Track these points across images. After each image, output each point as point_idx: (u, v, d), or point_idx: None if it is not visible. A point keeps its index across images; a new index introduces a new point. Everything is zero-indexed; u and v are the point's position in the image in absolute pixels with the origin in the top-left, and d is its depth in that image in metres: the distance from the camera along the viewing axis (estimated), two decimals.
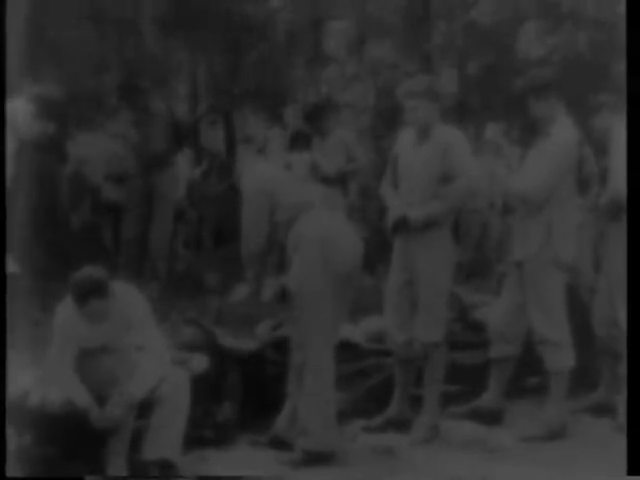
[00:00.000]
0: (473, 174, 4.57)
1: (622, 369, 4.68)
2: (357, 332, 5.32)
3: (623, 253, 4.26)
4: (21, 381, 4.19)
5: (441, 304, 4.63)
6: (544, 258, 4.67)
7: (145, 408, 4.07)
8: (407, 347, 4.68)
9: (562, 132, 4.69)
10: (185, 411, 4.11)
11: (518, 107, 5.00)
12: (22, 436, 4.05)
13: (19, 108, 5.01)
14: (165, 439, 4.04)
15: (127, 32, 8.41)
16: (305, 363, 4.26)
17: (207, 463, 4.29)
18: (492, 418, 4.86)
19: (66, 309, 4.08)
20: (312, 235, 4.25)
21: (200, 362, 4.64)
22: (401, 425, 4.73)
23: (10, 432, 3.93)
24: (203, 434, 4.46)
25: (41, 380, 4.25)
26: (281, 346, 4.74)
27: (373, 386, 5.03)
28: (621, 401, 4.69)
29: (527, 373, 5.14)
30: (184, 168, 7.75)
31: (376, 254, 6.44)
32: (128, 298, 4.12)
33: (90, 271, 4.02)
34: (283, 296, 4.49)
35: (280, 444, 4.38)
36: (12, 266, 4.82)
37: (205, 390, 4.51)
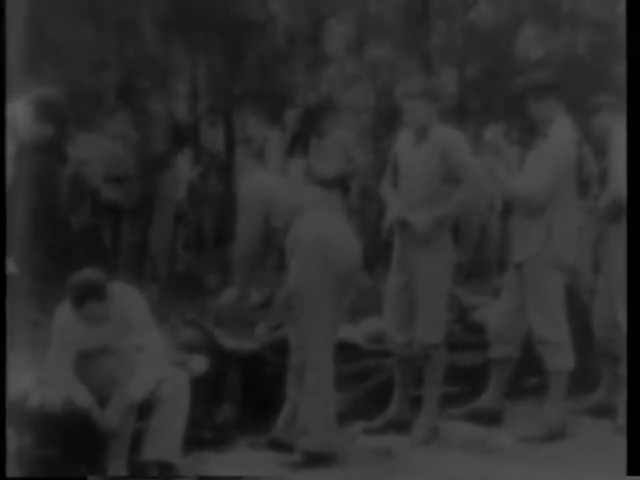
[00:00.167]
0: (476, 176, 4.58)
1: (622, 370, 4.68)
2: (357, 333, 5.33)
3: (623, 254, 4.25)
4: (21, 382, 4.19)
5: (440, 305, 4.63)
6: (544, 259, 4.67)
7: (145, 409, 4.07)
8: (406, 348, 4.68)
9: (561, 133, 4.69)
10: (185, 412, 4.11)
11: (517, 108, 5.00)
12: (22, 437, 4.05)
13: (19, 110, 5.00)
14: (165, 440, 4.04)
15: (127, 32, 8.40)
16: (305, 363, 4.26)
17: (207, 464, 4.29)
18: (491, 419, 4.86)
19: (65, 312, 4.08)
20: (309, 237, 4.26)
21: (200, 363, 4.64)
22: (401, 426, 4.73)
23: (10, 433, 3.92)
24: (203, 435, 4.46)
25: (41, 381, 4.25)
26: (281, 347, 4.74)
27: (373, 387, 5.03)
28: (621, 402, 4.70)
29: (527, 374, 5.15)
30: (184, 169, 7.75)
31: (375, 255, 6.45)
32: (128, 299, 4.12)
33: (87, 274, 4.01)
34: (271, 302, 4.52)
35: (280, 445, 4.38)
36: (12, 267, 4.82)
37: (205, 391, 4.51)
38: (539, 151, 4.73)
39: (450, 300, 4.92)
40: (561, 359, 4.69)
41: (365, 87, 9.96)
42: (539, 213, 4.67)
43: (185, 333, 4.95)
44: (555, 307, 4.70)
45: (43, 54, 7.16)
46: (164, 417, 4.04)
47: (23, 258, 5.19)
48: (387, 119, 8.92)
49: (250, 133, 8.73)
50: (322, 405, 4.24)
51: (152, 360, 4.09)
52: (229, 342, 4.84)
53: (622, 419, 4.56)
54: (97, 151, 7.10)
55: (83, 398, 4.02)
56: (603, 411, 4.95)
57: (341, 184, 6.56)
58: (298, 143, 6.63)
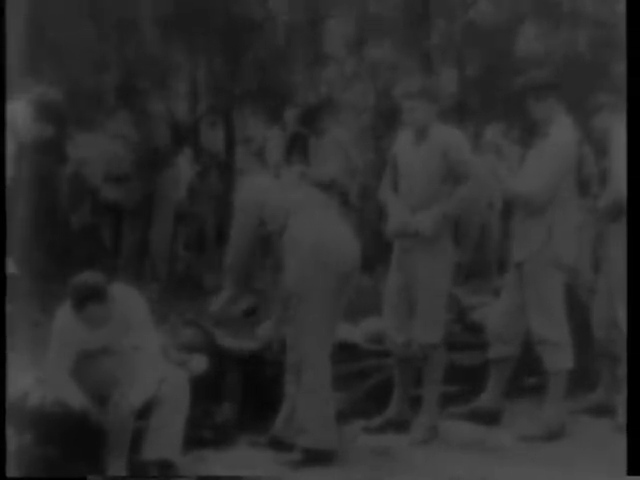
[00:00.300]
0: (478, 173, 4.58)
1: (621, 370, 4.68)
2: (357, 333, 5.33)
3: (623, 254, 4.26)
4: (21, 382, 4.19)
5: (440, 305, 4.63)
6: (544, 259, 4.67)
7: (145, 409, 4.08)
8: (406, 348, 4.69)
9: (561, 132, 4.69)
10: (184, 411, 4.12)
11: (518, 107, 5.00)
12: (22, 436, 4.06)
13: (18, 110, 5.00)
14: (164, 439, 4.05)
15: (127, 32, 8.40)
16: (302, 362, 4.26)
17: (206, 463, 4.29)
18: (491, 418, 4.87)
19: (65, 313, 4.08)
20: (305, 237, 4.27)
21: (199, 363, 4.64)
22: (400, 425, 4.73)
23: (10, 432, 3.93)
24: (202, 434, 4.47)
25: (41, 381, 4.26)
26: (280, 346, 4.74)
27: (372, 387, 5.03)
28: (620, 401, 4.70)
29: (526, 373, 5.15)
30: (184, 169, 7.75)
31: (375, 255, 6.44)
32: (128, 301, 4.13)
33: (88, 277, 4.02)
34: (253, 312, 4.55)
35: (279, 444, 4.39)
36: (12, 267, 4.83)
37: (204, 391, 4.52)
38: (539, 151, 4.73)
39: (450, 300, 4.92)
40: (561, 358, 4.69)
41: (365, 86, 9.95)
42: (539, 213, 4.67)
43: (185, 333, 4.95)
44: (555, 306, 4.70)
45: (43, 54, 7.17)
46: (164, 416, 4.04)
47: (23, 258, 5.20)
48: (387, 118, 8.91)
49: (250, 133, 8.73)
50: (319, 404, 4.25)
51: (151, 364, 4.10)
52: (229, 342, 4.85)
53: (622, 418, 4.56)
54: (97, 151, 7.10)
55: (78, 402, 4.02)
56: (603, 410, 4.96)
57: (338, 185, 6.53)
58: (297, 144, 6.62)
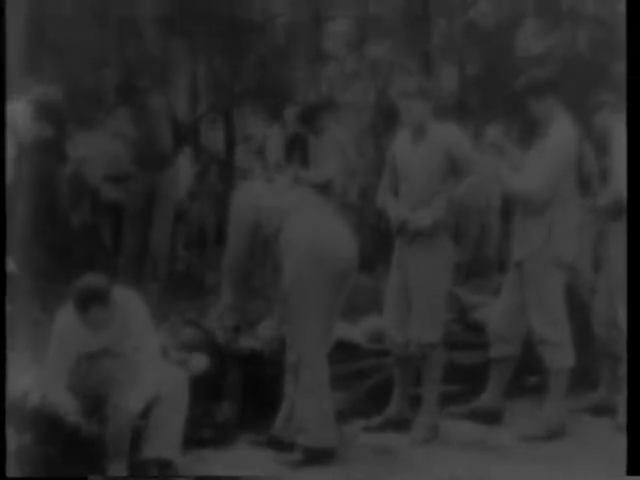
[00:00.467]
0: (481, 167, 4.58)
1: (622, 369, 4.68)
2: (357, 332, 5.33)
3: (623, 253, 4.26)
4: (21, 381, 4.19)
5: (439, 305, 4.63)
6: (544, 258, 4.67)
7: (144, 408, 4.07)
8: (405, 347, 4.68)
9: (561, 131, 4.69)
10: (184, 411, 4.12)
11: (518, 107, 5.00)
12: (22, 436, 4.06)
13: (18, 110, 5.01)
14: (164, 439, 4.05)
15: (127, 31, 8.40)
16: (299, 362, 4.27)
17: (206, 463, 4.29)
18: (492, 418, 4.86)
19: (67, 315, 4.08)
20: (300, 237, 4.28)
21: (199, 362, 4.65)
22: (400, 425, 4.73)
23: (10, 432, 3.93)
24: (202, 434, 4.46)
25: (41, 380, 4.25)
26: (280, 346, 4.74)
27: (372, 386, 5.03)
28: (621, 401, 4.70)
29: (527, 372, 5.14)
30: (184, 168, 7.75)
31: (375, 254, 6.45)
32: (129, 305, 4.13)
33: (91, 279, 4.02)
34: (237, 330, 4.57)
35: (279, 444, 4.39)
36: (12, 266, 4.83)
37: (205, 390, 4.52)
38: (539, 150, 4.73)
39: (450, 299, 4.92)
40: (561, 358, 4.69)
41: (365, 85, 9.95)
42: (539, 212, 4.67)
43: (185, 332, 4.95)
44: (555, 306, 4.70)
45: (43, 53, 7.17)
46: (163, 416, 4.04)
47: (23, 257, 5.20)
48: (387, 117, 8.91)
49: (250, 131, 8.73)
50: (318, 403, 4.24)
51: (151, 368, 4.09)
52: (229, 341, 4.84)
53: (622, 418, 4.56)
54: (97, 150, 7.11)
55: (72, 414, 4.01)
56: (603, 410, 4.95)
57: (334, 185, 6.51)
58: (297, 144, 6.62)
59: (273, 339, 4.92)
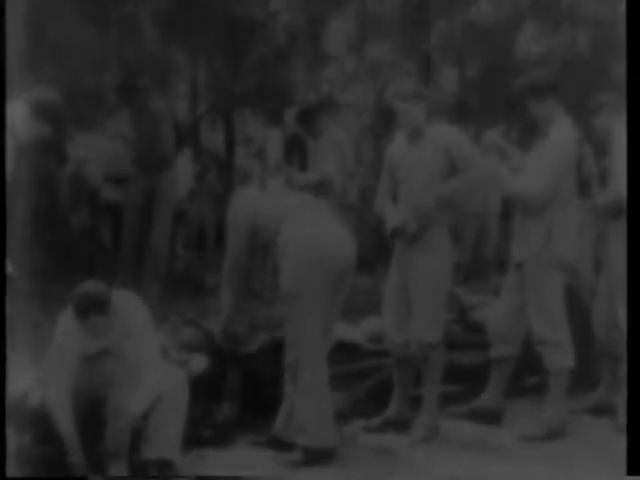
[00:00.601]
0: (481, 165, 4.58)
1: (622, 370, 4.68)
2: (357, 333, 5.33)
3: (623, 254, 4.26)
4: (21, 381, 4.19)
5: (439, 305, 4.63)
6: (544, 259, 4.67)
7: (146, 410, 4.07)
8: (405, 348, 4.68)
9: (561, 132, 4.69)
10: (183, 411, 4.11)
11: (518, 107, 5.00)
12: (22, 436, 4.06)
13: (18, 110, 5.01)
14: (164, 439, 4.05)
15: (127, 32, 8.41)
16: (298, 362, 4.27)
17: (206, 463, 4.29)
18: (492, 418, 4.86)
19: (67, 320, 4.08)
20: (297, 239, 4.28)
21: (199, 362, 4.64)
22: (400, 425, 4.73)
23: (10, 432, 3.93)
24: (202, 434, 4.46)
25: (41, 381, 4.25)
26: (280, 346, 4.74)
27: (372, 386, 5.03)
28: (621, 401, 4.70)
29: (527, 373, 5.15)
30: (184, 169, 7.76)
31: (375, 255, 6.45)
32: (129, 308, 4.13)
33: (90, 286, 4.01)
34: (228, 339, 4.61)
35: (279, 444, 4.39)
36: (12, 267, 4.83)
37: (204, 390, 4.51)
38: (539, 151, 4.73)
39: (450, 300, 4.92)
40: (561, 358, 4.69)
41: (365, 86, 9.96)
42: (539, 212, 4.67)
43: (185, 332, 4.95)
44: (555, 307, 4.70)
45: (43, 54, 7.17)
46: (163, 416, 4.04)
47: (23, 258, 5.20)
48: (387, 118, 8.92)
49: (250, 133, 8.74)
50: (317, 403, 4.24)
51: (152, 371, 4.09)
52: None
53: (622, 418, 4.56)
54: (97, 151, 7.11)
55: (67, 430, 3.99)
56: (603, 410, 4.96)
57: (330, 186, 6.49)
58: (295, 145, 6.62)
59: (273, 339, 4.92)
